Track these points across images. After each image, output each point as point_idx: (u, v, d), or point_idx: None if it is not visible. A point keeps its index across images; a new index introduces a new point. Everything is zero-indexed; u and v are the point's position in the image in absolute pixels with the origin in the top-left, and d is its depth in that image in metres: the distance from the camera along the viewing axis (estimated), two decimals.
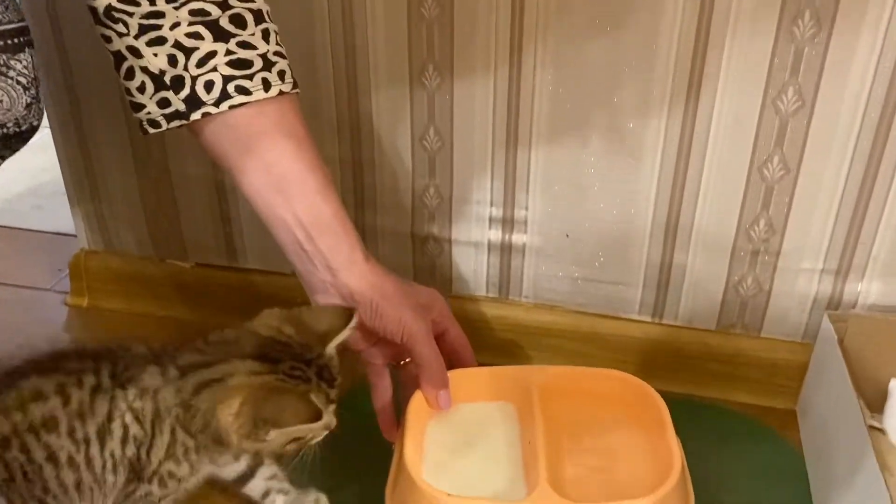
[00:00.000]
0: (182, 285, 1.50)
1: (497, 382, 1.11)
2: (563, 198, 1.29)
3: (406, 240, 1.40)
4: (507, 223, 1.34)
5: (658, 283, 1.33)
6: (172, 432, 0.86)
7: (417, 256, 1.42)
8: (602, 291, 1.37)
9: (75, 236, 1.59)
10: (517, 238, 1.35)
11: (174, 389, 0.86)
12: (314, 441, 0.87)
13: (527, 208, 1.32)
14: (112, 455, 0.86)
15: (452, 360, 1.07)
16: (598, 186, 1.27)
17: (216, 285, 1.49)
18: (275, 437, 0.83)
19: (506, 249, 1.37)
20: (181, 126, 0.95)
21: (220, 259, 1.48)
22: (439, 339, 1.01)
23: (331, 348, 0.91)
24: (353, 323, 0.92)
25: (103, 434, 0.85)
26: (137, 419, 0.86)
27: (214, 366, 0.86)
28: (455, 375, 1.07)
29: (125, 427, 0.86)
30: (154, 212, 1.48)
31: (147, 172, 1.46)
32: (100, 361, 0.87)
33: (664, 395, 1.10)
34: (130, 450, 0.87)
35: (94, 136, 1.46)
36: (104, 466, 0.86)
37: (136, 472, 0.87)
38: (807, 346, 1.27)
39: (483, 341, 1.25)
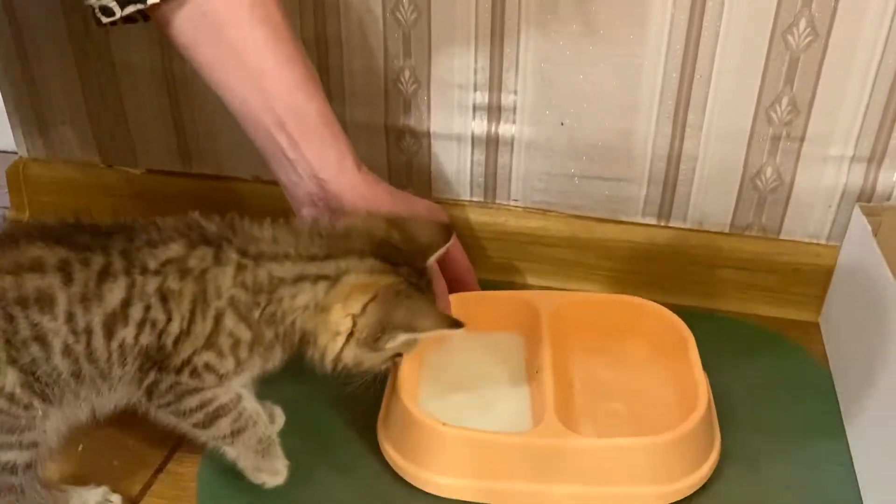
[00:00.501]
0: (132, 194, 1.38)
1: (503, 309, 1.06)
2: (557, 78, 1.14)
3: (379, 134, 1.24)
4: (494, 111, 1.18)
5: (665, 178, 1.18)
6: (217, 320, 0.77)
7: (392, 154, 1.26)
8: (601, 190, 1.21)
9: (16, 153, 1.43)
10: (505, 129, 1.19)
11: (232, 273, 0.77)
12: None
13: (516, 92, 1.16)
14: (122, 345, 0.76)
15: (452, 285, 1.01)
16: (598, 62, 1.11)
17: (169, 193, 1.36)
18: (392, 347, 0.78)
19: (492, 143, 1.21)
20: (138, 12, 0.85)
21: (172, 164, 1.35)
22: (438, 260, 0.91)
23: (430, 262, 0.85)
24: (451, 241, 0.88)
25: (113, 323, 0.75)
26: (165, 302, 0.76)
27: (323, 260, 0.79)
28: (456, 301, 0.99)
29: (146, 311, 0.76)
30: (98, 112, 1.34)
31: (89, 66, 1.30)
32: (114, 238, 0.77)
33: (673, 308, 1.04)
34: (147, 338, 0.76)
35: (30, 27, 1.29)
36: (110, 359, 0.76)
37: (155, 362, 0.77)
38: (832, 248, 1.16)
39: (467, 252, 1.10)
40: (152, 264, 0.76)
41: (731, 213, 1.18)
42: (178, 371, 0.78)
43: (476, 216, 1.26)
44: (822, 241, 1.16)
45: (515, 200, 1.26)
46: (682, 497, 0.91)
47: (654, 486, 0.90)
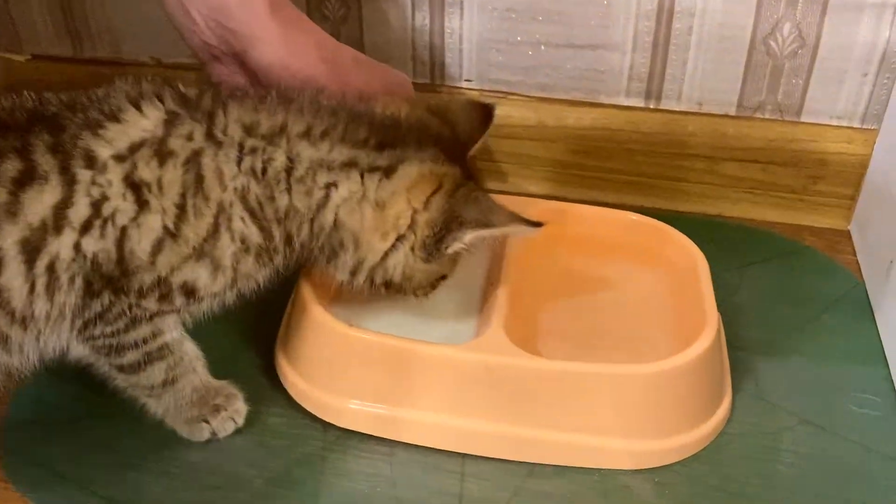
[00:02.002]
0: (16, 83, 1.16)
1: None
2: None
3: (298, 2, 1.00)
4: None
5: (653, 43, 0.94)
6: (219, 219, 0.62)
7: (315, 20, 1.01)
8: (574, 64, 0.97)
9: None
10: None
11: (236, 156, 0.62)
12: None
13: None
14: (52, 267, 0.59)
15: None
16: None
17: (59, 82, 1.15)
18: (453, 251, 0.65)
19: (436, 1, 0.96)
20: None
21: (62, 48, 1.15)
22: None
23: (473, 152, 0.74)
24: (494, 121, 0.75)
25: (39, 239, 0.58)
26: (138, 193, 0.60)
27: (377, 149, 0.65)
28: None
29: (97, 207, 0.59)
30: None
31: None
32: (33, 133, 0.60)
33: (666, 215, 0.86)
34: (97, 244, 0.60)
35: None
36: (32, 292, 0.59)
37: (109, 280, 0.61)
38: (868, 133, 0.95)
39: None
40: (105, 152, 0.60)
41: (738, 88, 0.96)
42: (143, 293, 0.62)
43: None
44: (856, 125, 0.95)
45: (468, 81, 1.02)
46: (674, 461, 0.67)
47: (636, 441, 0.66)
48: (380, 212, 0.65)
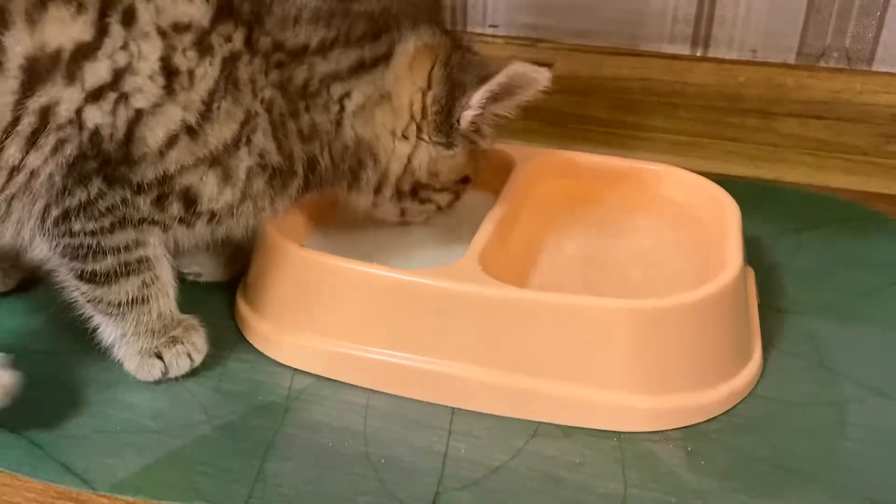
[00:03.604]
0: None
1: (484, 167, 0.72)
2: None
3: None
4: None
5: None
6: (245, 126, 0.57)
7: None
8: (612, 5, 0.87)
9: None
10: None
11: (264, 68, 0.58)
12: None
13: None
14: (43, 117, 0.52)
15: None
16: None
17: None
18: (469, 121, 0.61)
19: None
20: None
21: None
22: None
23: None
24: None
25: (47, 69, 0.52)
26: (169, 76, 0.54)
27: (374, 40, 0.61)
28: None
29: (119, 75, 0.53)
30: None
31: None
32: None
33: (715, 178, 0.73)
34: (105, 116, 0.53)
35: None
36: (14, 126, 0.52)
37: (106, 162, 0.54)
38: None
39: None
40: (149, 18, 0.54)
41: (798, 32, 0.85)
42: (140, 189, 0.56)
43: None
44: None
45: (494, 27, 0.92)
46: (694, 421, 0.55)
47: (639, 395, 0.54)
48: (390, 106, 0.62)
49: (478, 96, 0.60)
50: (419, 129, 0.62)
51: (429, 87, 0.61)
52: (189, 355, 0.59)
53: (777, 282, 0.69)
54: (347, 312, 0.58)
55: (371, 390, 0.57)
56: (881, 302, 0.67)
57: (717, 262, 0.60)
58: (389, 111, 0.62)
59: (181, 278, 0.66)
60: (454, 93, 0.61)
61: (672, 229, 0.70)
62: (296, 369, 0.60)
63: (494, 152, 0.75)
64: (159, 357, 0.59)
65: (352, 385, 0.58)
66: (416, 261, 0.65)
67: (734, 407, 0.56)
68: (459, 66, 0.61)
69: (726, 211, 0.65)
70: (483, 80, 0.60)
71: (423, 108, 0.61)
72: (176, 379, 0.59)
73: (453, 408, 0.56)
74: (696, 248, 0.67)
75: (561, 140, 0.93)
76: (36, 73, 0.51)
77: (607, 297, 0.57)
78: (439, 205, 0.67)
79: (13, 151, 0.53)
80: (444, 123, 0.62)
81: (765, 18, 0.83)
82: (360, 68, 0.61)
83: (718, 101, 0.87)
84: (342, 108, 0.61)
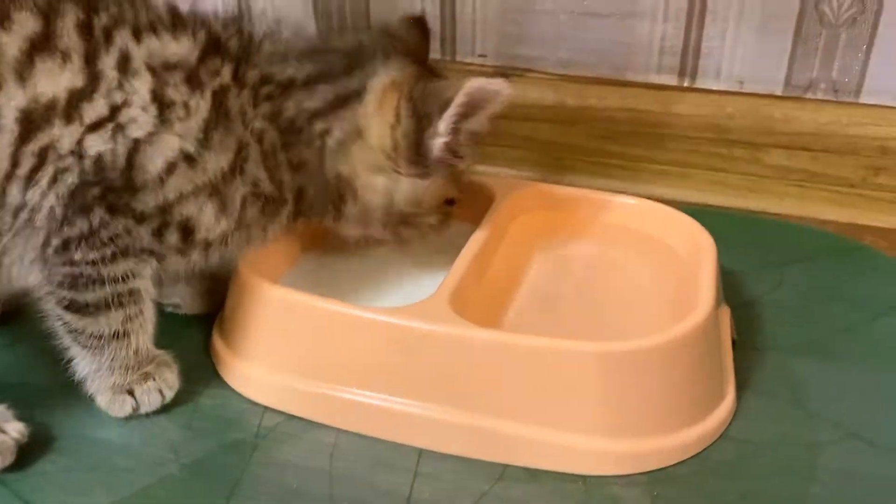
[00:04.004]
0: None
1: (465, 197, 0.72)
2: None
3: None
4: None
5: (689, 10, 0.83)
6: (239, 156, 0.59)
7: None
8: (599, 36, 0.87)
9: None
10: None
11: (252, 101, 0.60)
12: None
13: None
14: (44, 151, 0.54)
15: None
16: None
17: None
18: (441, 149, 0.62)
19: None
20: None
21: None
22: None
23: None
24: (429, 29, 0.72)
25: (44, 116, 0.54)
26: (161, 108, 0.56)
27: (348, 75, 0.63)
28: None
29: (115, 110, 0.55)
30: None
31: None
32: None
33: (701, 209, 0.79)
34: (106, 144, 0.55)
35: None
36: (14, 169, 0.54)
37: (108, 190, 0.56)
38: None
39: None
40: (138, 55, 0.57)
41: (785, 64, 0.84)
42: (142, 218, 0.57)
43: None
44: None
45: (482, 56, 0.92)
46: (656, 467, 0.54)
47: (605, 438, 0.54)
48: (365, 142, 0.62)
49: (444, 124, 0.61)
50: (394, 164, 0.63)
51: (397, 121, 0.61)
52: (160, 391, 0.59)
53: (756, 318, 0.69)
54: (315, 350, 0.58)
55: (340, 430, 0.57)
56: (861, 338, 0.67)
57: (693, 299, 0.59)
58: (365, 147, 0.63)
59: (161, 310, 0.67)
60: (421, 124, 0.61)
61: (650, 265, 0.70)
62: (266, 407, 0.59)
63: (476, 184, 0.75)
64: (131, 393, 0.59)
65: (321, 424, 0.58)
66: (393, 295, 0.65)
67: (704, 450, 0.55)
68: (422, 96, 0.61)
69: (702, 247, 0.65)
70: (445, 105, 0.61)
71: (395, 143, 0.62)
72: (147, 415, 0.59)
73: (421, 449, 0.56)
74: (673, 283, 0.66)
75: (548, 169, 0.93)
76: (32, 123, 0.54)
77: (579, 336, 0.56)
78: (430, 225, 0.67)
79: (15, 193, 0.54)
80: (416, 155, 0.62)
81: (752, 50, 0.83)
82: (336, 104, 0.62)
83: (705, 131, 0.87)
84: (324, 144, 0.62)
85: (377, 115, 0.62)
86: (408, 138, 0.61)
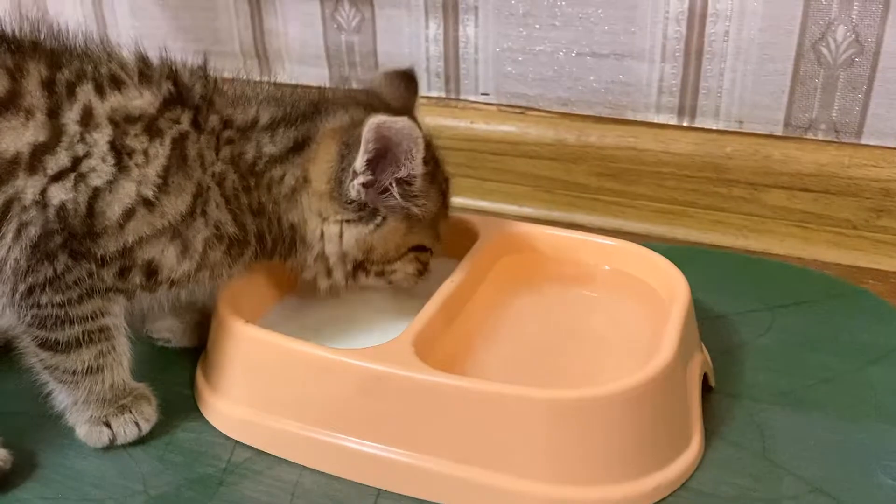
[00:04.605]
0: None
1: (450, 235, 0.73)
2: None
3: (312, 3, 0.95)
4: None
5: (686, 50, 0.82)
6: (197, 199, 0.60)
7: (330, 32, 0.96)
8: (598, 75, 0.87)
9: None
10: None
11: (215, 145, 0.62)
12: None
13: None
14: (5, 210, 0.56)
15: None
16: None
17: None
18: (355, 180, 0.62)
19: (450, 8, 0.89)
20: None
21: None
22: None
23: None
24: (419, 88, 0.74)
25: (3, 175, 0.56)
26: (119, 157, 0.58)
27: (309, 119, 0.65)
28: None
29: (77, 161, 0.57)
30: None
31: None
32: (35, 57, 0.59)
33: (697, 248, 0.81)
34: (68, 193, 0.57)
35: None
36: None
37: (71, 236, 0.57)
38: None
39: None
40: (101, 109, 0.59)
41: (784, 104, 0.84)
42: (104, 262, 0.58)
43: (436, 118, 0.93)
44: None
45: (485, 94, 0.93)
46: None
47: (556, 485, 0.54)
48: (310, 189, 0.63)
49: (359, 161, 0.61)
50: (334, 209, 0.63)
51: (331, 166, 0.62)
52: (137, 424, 0.61)
53: (737, 363, 0.68)
54: (281, 387, 0.59)
55: (304, 467, 0.58)
56: (842, 389, 0.65)
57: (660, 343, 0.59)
58: (312, 194, 0.63)
59: (151, 343, 0.70)
60: (342, 165, 0.62)
61: (631, 307, 0.69)
62: (237, 442, 0.61)
63: (462, 222, 0.76)
64: (108, 425, 0.61)
65: (287, 461, 0.59)
66: (374, 337, 0.64)
67: (661, 501, 0.55)
68: (349, 140, 0.62)
69: (676, 291, 0.64)
70: (353, 143, 0.62)
71: (330, 187, 0.63)
72: (123, 446, 0.61)
73: (378, 489, 0.57)
74: (652, 327, 0.66)
75: (548, 206, 0.94)
76: None
77: (544, 380, 0.57)
78: (405, 272, 0.67)
79: None
80: (343, 198, 0.63)
81: (750, 90, 0.82)
82: (292, 150, 0.63)
83: (705, 170, 0.86)
84: (279, 191, 0.63)
85: (317, 159, 0.63)
86: (332, 180, 0.62)
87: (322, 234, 0.64)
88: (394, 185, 0.62)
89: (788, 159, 0.83)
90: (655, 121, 0.87)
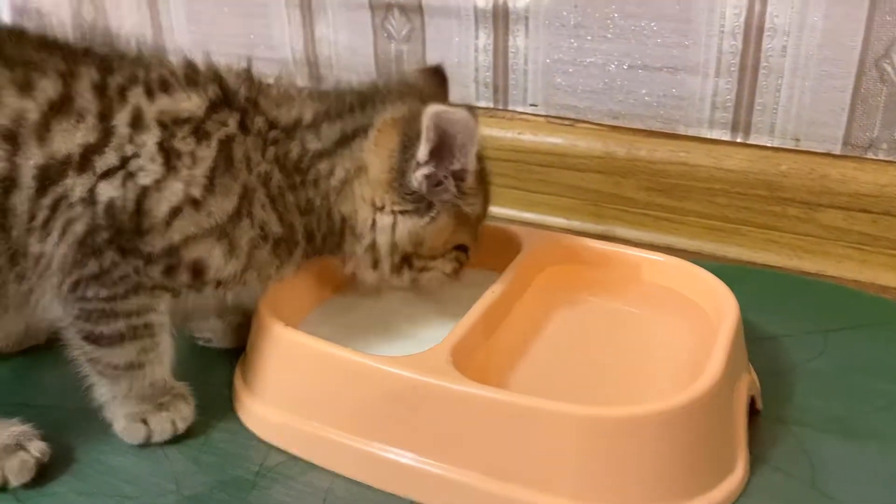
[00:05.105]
0: None
1: (493, 245, 0.73)
2: None
3: (362, 12, 0.95)
4: None
5: (742, 65, 0.80)
6: (243, 200, 0.61)
7: (380, 41, 0.96)
8: (649, 89, 0.85)
9: None
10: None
11: (261, 146, 0.62)
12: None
13: None
14: (57, 202, 0.57)
15: None
16: None
17: None
18: (423, 180, 0.62)
19: (501, 18, 0.88)
20: None
21: None
22: None
23: None
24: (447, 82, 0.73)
25: (59, 172, 0.57)
26: (167, 158, 0.59)
27: (361, 109, 0.65)
28: None
29: (125, 161, 0.58)
30: None
31: None
32: (86, 62, 0.61)
33: (750, 268, 0.78)
34: (117, 191, 0.58)
35: None
36: (32, 221, 0.57)
37: (119, 232, 0.58)
38: None
39: None
40: (150, 112, 0.60)
41: (843, 122, 0.81)
42: (150, 259, 0.59)
43: (481, 128, 0.91)
44: None
45: (533, 105, 0.92)
46: None
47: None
48: (367, 178, 0.63)
49: (422, 152, 0.61)
50: (392, 199, 0.64)
51: (392, 155, 0.63)
52: (174, 423, 0.61)
53: (787, 387, 0.65)
54: (317, 392, 0.59)
55: (336, 474, 0.58)
56: None
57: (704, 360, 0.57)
58: (366, 184, 0.64)
59: (193, 343, 0.70)
60: (405, 155, 0.62)
61: (676, 325, 0.67)
62: (272, 446, 0.60)
63: (505, 232, 0.75)
64: (145, 422, 0.61)
65: (320, 467, 0.58)
66: (403, 343, 0.65)
67: None
68: (411, 130, 0.62)
69: (725, 311, 0.62)
70: (414, 135, 0.62)
71: (390, 177, 0.63)
72: (159, 444, 0.61)
73: (411, 500, 0.56)
74: (695, 345, 0.64)
75: (595, 219, 0.92)
76: (48, 178, 0.57)
77: (582, 396, 0.55)
78: (443, 271, 0.67)
79: (34, 243, 0.58)
80: (403, 189, 0.63)
81: (808, 107, 0.80)
82: (341, 143, 0.64)
83: (758, 188, 0.84)
84: (328, 184, 0.64)
85: (378, 149, 0.63)
86: (394, 170, 0.63)
87: (374, 224, 0.64)
88: (449, 177, 0.62)
89: (846, 179, 0.80)
90: (708, 136, 0.85)
